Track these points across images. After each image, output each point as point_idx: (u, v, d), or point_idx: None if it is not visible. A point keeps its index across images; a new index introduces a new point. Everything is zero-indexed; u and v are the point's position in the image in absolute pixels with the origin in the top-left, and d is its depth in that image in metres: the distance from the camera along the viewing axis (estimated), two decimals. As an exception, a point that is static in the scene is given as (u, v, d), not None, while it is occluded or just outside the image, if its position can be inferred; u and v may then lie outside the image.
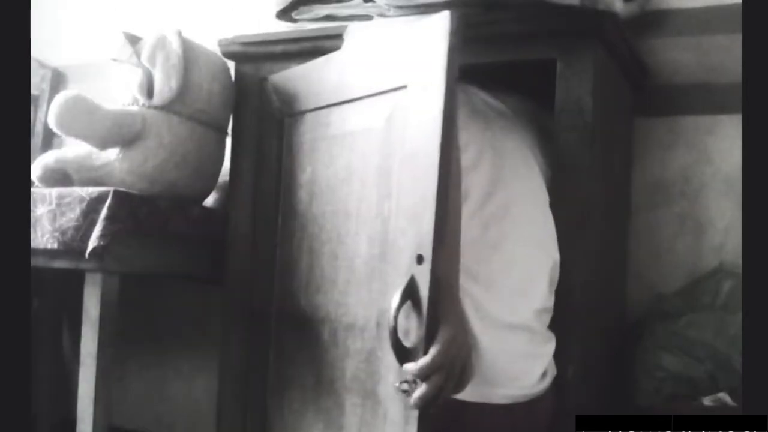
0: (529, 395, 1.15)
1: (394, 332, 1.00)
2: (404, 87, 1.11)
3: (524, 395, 1.14)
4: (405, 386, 1.00)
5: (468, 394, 1.08)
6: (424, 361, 0.98)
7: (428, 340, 0.99)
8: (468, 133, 1.17)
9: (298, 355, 1.31)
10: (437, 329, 0.99)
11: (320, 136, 1.32)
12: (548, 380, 1.18)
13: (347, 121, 1.25)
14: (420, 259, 1.01)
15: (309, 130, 1.35)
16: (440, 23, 1.04)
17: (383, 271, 1.11)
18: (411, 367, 0.99)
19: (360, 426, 1.14)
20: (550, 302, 1.21)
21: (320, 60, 1.33)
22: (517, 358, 1.14)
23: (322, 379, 1.23)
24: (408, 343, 1.01)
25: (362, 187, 1.19)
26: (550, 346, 1.20)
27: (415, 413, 1.00)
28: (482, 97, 1.31)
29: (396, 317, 1.00)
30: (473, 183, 1.16)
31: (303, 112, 1.37)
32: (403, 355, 1.01)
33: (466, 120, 1.20)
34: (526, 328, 1.16)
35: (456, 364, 0.99)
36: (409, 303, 1.01)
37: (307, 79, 1.37)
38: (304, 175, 1.34)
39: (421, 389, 0.97)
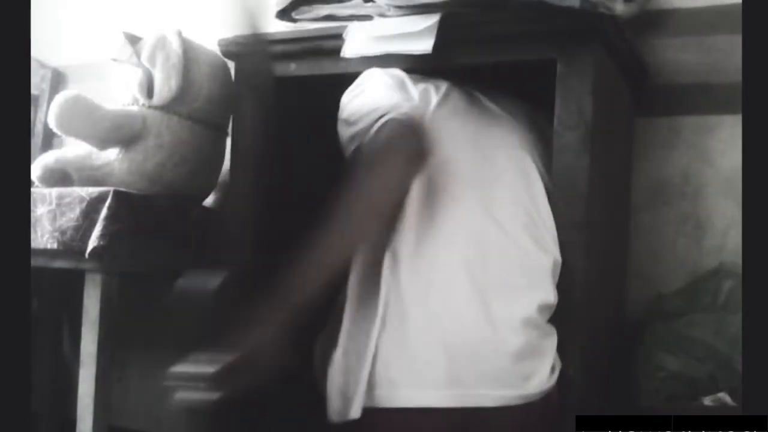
0: (544, 391, 1.14)
1: None
2: None
3: (539, 393, 1.13)
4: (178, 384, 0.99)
5: (487, 399, 1.08)
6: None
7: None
8: (446, 129, 1.19)
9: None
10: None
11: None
12: (557, 373, 1.18)
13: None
14: None
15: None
16: None
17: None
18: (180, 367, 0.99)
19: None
20: (553, 298, 1.21)
21: None
22: (528, 355, 1.13)
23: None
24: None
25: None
26: (554, 340, 1.20)
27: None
28: (479, 97, 1.31)
29: None
30: (450, 175, 1.17)
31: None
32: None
33: (446, 117, 1.22)
34: (533, 323, 1.15)
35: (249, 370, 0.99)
36: None
37: None
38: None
39: (186, 392, 0.99)
